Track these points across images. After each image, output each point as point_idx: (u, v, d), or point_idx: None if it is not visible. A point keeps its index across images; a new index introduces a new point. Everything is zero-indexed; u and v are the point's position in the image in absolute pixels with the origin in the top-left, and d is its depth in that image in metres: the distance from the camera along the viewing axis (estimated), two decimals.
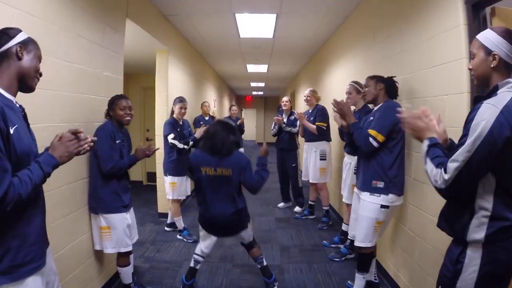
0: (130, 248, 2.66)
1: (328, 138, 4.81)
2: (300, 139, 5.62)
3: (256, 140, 20.61)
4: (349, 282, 3.11)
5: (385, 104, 2.69)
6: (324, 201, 4.92)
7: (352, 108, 3.94)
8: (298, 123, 5.35)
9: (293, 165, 5.48)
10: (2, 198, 1.18)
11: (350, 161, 3.66)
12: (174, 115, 4.27)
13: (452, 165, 1.34)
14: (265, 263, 3.00)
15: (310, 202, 5.31)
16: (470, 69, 1.51)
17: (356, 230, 2.74)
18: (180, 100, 4.28)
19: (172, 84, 5.14)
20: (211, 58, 7.97)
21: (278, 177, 5.90)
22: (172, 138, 4.08)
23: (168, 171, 4.21)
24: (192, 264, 2.97)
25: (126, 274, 2.71)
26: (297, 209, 5.53)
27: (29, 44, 1.43)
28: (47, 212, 2.07)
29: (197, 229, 4.63)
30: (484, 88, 1.49)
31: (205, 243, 2.92)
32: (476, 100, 1.44)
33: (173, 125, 4.17)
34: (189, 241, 4.20)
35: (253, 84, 13.32)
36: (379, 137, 2.53)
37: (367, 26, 3.81)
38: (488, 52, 1.41)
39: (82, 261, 2.54)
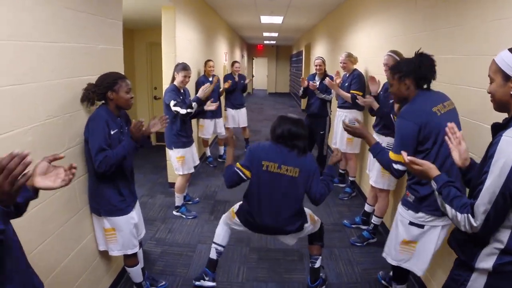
0: (137, 250, 2.41)
1: (360, 107, 4.25)
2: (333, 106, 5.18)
3: (267, 90, 20.06)
4: (380, 273, 2.90)
5: (405, 109, 2.05)
6: (351, 172, 4.67)
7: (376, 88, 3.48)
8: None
9: (321, 132, 5.07)
10: None
11: (380, 141, 3.25)
12: (176, 83, 3.81)
13: (479, 209, 1.27)
14: (317, 265, 2.66)
15: (340, 171, 5.08)
16: (489, 93, 1.40)
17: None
18: (184, 67, 3.78)
19: (181, 44, 4.65)
20: (223, 10, 7.31)
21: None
22: (173, 105, 3.65)
23: (173, 144, 3.85)
24: (214, 257, 2.69)
25: (136, 273, 2.49)
26: None
27: None
28: (43, 223, 1.82)
29: (209, 201, 4.55)
30: (504, 112, 1.38)
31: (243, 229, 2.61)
32: (494, 128, 1.40)
33: (175, 92, 3.74)
34: (188, 217, 4.00)
35: (265, 34, 12.52)
36: (401, 160, 1.98)
37: None
38: (506, 77, 1.30)
39: (88, 264, 2.32)
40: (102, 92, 2.16)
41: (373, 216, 3.49)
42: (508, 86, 1.30)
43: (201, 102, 3.88)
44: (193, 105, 3.73)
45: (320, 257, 2.70)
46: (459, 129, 2.05)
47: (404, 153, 1.57)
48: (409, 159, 1.53)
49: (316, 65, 4.97)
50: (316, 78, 5.02)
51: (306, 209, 2.57)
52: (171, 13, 4.33)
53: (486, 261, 1.33)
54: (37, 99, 1.77)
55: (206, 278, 2.71)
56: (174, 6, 4.29)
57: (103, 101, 2.24)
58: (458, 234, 1.47)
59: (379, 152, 2.18)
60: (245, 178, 2.35)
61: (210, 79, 5.53)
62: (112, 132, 2.15)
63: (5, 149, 1.48)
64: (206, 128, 5.65)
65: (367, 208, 3.73)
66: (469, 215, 1.30)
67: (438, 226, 2.09)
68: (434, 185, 1.46)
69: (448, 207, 1.38)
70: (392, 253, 2.29)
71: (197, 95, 3.90)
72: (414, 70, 2.00)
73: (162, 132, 4.61)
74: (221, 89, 5.79)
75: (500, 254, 1.30)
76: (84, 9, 2.18)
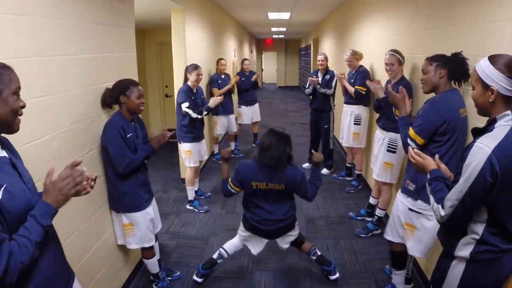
0: (153, 243, 2.61)
1: (365, 103, 4.49)
2: (337, 101, 5.31)
3: (277, 83, 20.12)
4: (387, 267, 3.03)
5: (438, 100, 2.24)
6: (358, 166, 4.82)
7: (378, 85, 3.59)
8: (334, 83, 5.05)
9: (325, 126, 5.27)
10: (3, 274, 1.04)
11: (383, 136, 3.42)
12: (189, 83, 4.07)
13: (447, 204, 1.43)
14: (319, 253, 2.90)
15: (347, 165, 5.24)
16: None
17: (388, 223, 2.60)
18: (195, 67, 4.05)
19: (190, 45, 4.82)
20: (231, 8, 7.44)
21: (310, 137, 5.72)
22: (186, 107, 3.93)
23: (182, 138, 4.11)
24: (215, 257, 2.88)
25: (152, 264, 2.69)
26: (324, 171, 5.40)
27: None
28: (69, 220, 2.01)
29: (220, 195, 4.68)
30: (487, 117, 1.49)
31: (254, 247, 2.81)
32: (474, 133, 1.51)
33: (187, 93, 4.00)
34: (200, 211, 4.21)
35: (273, 29, 12.59)
36: (417, 140, 2.22)
37: None
38: (485, 86, 1.40)
39: (108, 257, 2.53)
40: (115, 96, 2.37)
41: (377, 209, 3.63)
42: (487, 94, 1.40)
43: (211, 110, 4.23)
44: (203, 113, 4.03)
45: (315, 247, 2.93)
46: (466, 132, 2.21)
47: (410, 149, 1.76)
48: (415, 152, 1.70)
49: (319, 61, 5.15)
50: (319, 74, 5.20)
51: None
52: (180, 15, 4.49)
53: (464, 250, 1.48)
54: (61, 108, 1.97)
55: (196, 275, 2.90)
56: (183, 9, 4.45)
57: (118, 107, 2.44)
58: (443, 226, 1.62)
59: (403, 125, 2.38)
60: (235, 192, 2.69)
61: (223, 76, 5.75)
62: (128, 136, 2.34)
63: (35, 155, 1.70)
64: (220, 124, 5.87)
65: (371, 200, 3.87)
66: (440, 206, 1.46)
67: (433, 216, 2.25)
68: (428, 176, 1.62)
69: (431, 198, 1.54)
70: (394, 233, 2.49)
71: (209, 104, 4.17)
72: (452, 64, 2.20)
73: (174, 128, 4.79)
74: (228, 87, 5.88)
75: (476, 243, 1.45)
76: (101, 21, 2.37)
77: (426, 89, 2.35)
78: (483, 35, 2.09)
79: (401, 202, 2.42)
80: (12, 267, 1.06)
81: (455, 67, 2.19)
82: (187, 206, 4.31)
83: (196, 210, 4.24)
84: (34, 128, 1.73)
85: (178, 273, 3.00)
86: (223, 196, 2.79)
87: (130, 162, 2.31)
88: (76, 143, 2.12)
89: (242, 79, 6.13)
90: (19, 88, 1.21)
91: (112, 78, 2.50)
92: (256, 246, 2.79)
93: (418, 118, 2.26)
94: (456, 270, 1.52)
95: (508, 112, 1.38)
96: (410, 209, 2.36)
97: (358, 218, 3.98)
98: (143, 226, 2.49)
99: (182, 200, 4.51)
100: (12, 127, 1.21)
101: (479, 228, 1.44)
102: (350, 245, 3.46)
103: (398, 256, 2.59)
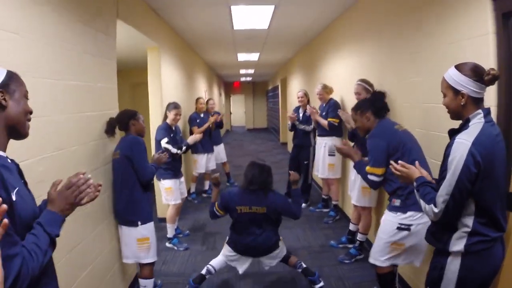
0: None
1: (338, 134, 4.63)
2: None
3: (246, 126, 20.42)
4: None
5: (373, 131, 2.57)
6: (334, 196, 4.89)
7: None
8: None
9: (305, 162, 5.31)
10: (16, 277, 0.96)
11: None
12: (168, 121, 4.13)
13: (439, 200, 1.53)
14: (304, 266, 3.10)
15: (323, 197, 5.28)
16: (444, 105, 1.66)
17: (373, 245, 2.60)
18: (175, 106, 4.14)
19: (166, 82, 4.89)
20: (201, 50, 7.66)
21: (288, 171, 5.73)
22: (166, 142, 3.97)
23: (162, 175, 4.06)
24: (204, 272, 3.02)
25: (151, 286, 2.73)
26: None
27: (10, 84, 1.16)
28: (62, 241, 1.89)
29: (199, 233, 4.63)
30: (459, 120, 1.64)
31: (241, 266, 3.04)
32: (451, 133, 1.65)
33: (166, 130, 4.07)
34: (180, 249, 4.10)
35: (242, 71, 13.03)
36: (378, 171, 2.41)
37: (373, 20, 3.59)
38: (456, 92, 1.56)
39: (104, 277, 2.45)
40: (126, 122, 2.76)
41: (358, 234, 3.68)
42: (458, 99, 1.56)
43: (190, 147, 4.34)
44: (183, 148, 4.09)
45: (300, 260, 3.16)
46: (417, 141, 2.44)
47: (393, 163, 1.86)
48: (400, 163, 1.82)
49: (298, 97, 5.28)
50: (300, 110, 5.31)
51: None
52: (156, 53, 4.59)
53: (458, 244, 1.57)
54: (48, 132, 1.93)
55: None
56: (158, 46, 4.56)
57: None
58: (431, 227, 1.72)
59: (360, 167, 2.57)
60: (219, 215, 3.02)
61: (202, 115, 5.79)
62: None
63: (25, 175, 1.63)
64: (199, 163, 5.82)
65: (351, 227, 3.92)
66: (432, 205, 1.56)
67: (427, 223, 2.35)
68: (414, 184, 1.72)
69: (421, 201, 1.64)
70: (381, 257, 2.48)
71: (188, 141, 4.28)
72: (372, 104, 2.55)
73: None
74: (210, 125, 5.92)
75: (468, 236, 1.54)
76: (87, 50, 2.40)
77: (362, 135, 2.72)
78: (445, 55, 2.31)
79: (389, 221, 2.44)
80: (23, 273, 1.00)
81: (376, 106, 2.57)
82: (167, 244, 4.18)
83: (176, 248, 4.11)
84: (23, 148, 1.68)
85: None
86: (210, 217, 3.08)
87: (154, 170, 2.77)
88: (61, 170, 2.04)
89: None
90: (27, 92, 1.24)
91: (96, 108, 2.52)
92: (242, 265, 3.03)
93: (369, 155, 2.51)
94: (453, 266, 1.59)
95: (480, 111, 1.55)
96: (399, 228, 2.37)
97: (340, 246, 3.99)
98: (155, 237, 2.71)
99: (161, 239, 4.32)
100: (25, 130, 1.22)
101: (469, 221, 1.54)
102: (335, 272, 3.45)
103: (385, 276, 2.59)
